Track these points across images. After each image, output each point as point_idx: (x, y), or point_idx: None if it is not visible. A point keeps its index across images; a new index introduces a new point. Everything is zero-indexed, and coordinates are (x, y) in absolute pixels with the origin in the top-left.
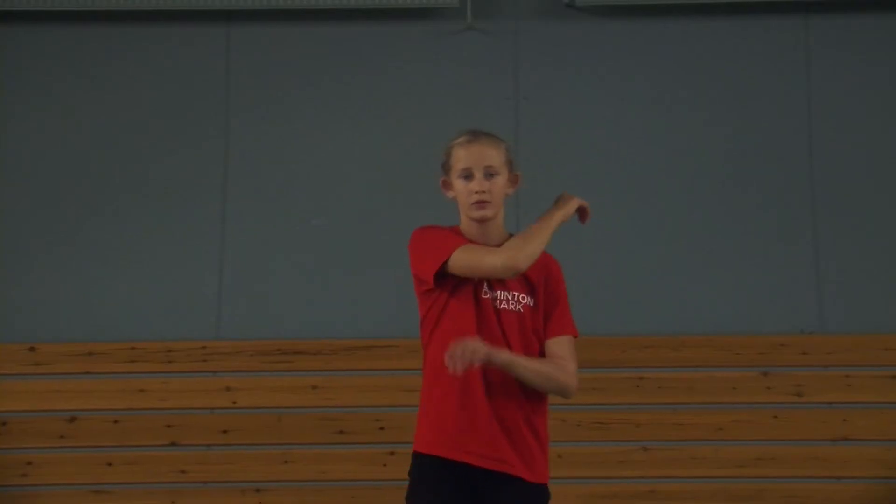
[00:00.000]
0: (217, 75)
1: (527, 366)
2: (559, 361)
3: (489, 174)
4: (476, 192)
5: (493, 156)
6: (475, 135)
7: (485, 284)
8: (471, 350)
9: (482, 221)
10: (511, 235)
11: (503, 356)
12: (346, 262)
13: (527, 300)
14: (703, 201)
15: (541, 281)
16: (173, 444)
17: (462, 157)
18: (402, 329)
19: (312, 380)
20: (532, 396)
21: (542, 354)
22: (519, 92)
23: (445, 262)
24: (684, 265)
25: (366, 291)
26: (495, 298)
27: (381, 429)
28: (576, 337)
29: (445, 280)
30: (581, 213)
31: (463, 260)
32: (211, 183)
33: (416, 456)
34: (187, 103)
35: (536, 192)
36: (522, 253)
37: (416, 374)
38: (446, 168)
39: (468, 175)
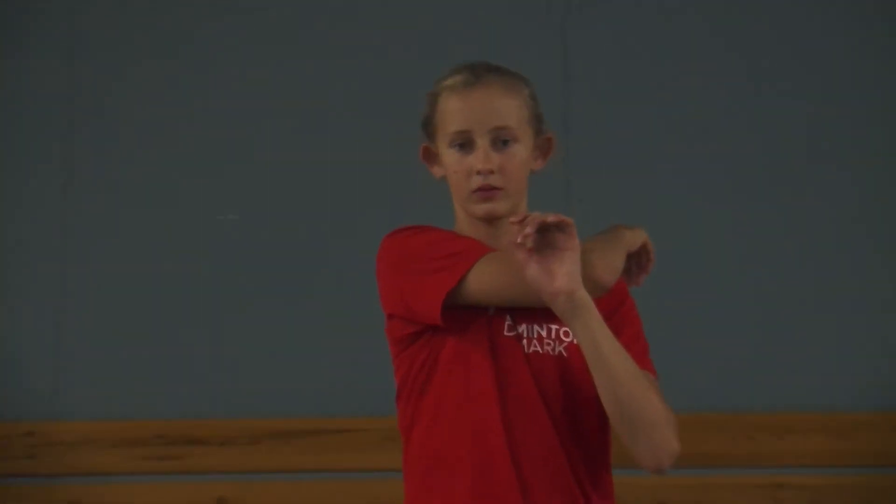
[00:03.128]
0: None
1: (622, 354)
2: None
3: (502, 140)
4: (479, 173)
5: (509, 109)
6: (476, 73)
7: (507, 316)
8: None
9: (490, 219)
10: None
11: (591, 308)
12: (263, 295)
13: (573, 336)
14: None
15: (611, 310)
16: None
17: (456, 111)
18: (371, 403)
19: (217, 486)
20: (593, 470)
21: (602, 423)
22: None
23: (461, 283)
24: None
25: (305, 341)
26: (522, 337)
27: None
28: (656, 379)
29: (451, 313)
30: (638, 261)
31: (496, 278)
32: None
33: None
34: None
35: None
36: (606, 262)
37: (395, 477)
38: (430, 127)
39: (465, 142)
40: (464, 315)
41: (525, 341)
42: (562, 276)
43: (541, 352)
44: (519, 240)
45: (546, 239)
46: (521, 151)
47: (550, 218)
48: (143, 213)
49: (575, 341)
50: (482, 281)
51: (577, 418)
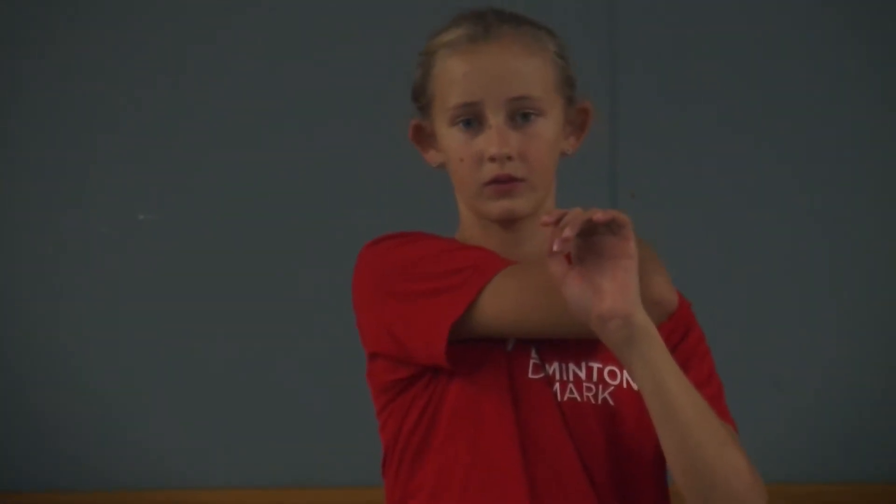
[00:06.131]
0: None
1: (695, 397)
2: None
3: (521, 115)
4: (493, 159)
5: (531, 72)
6: (485, 24)
7: (532, 352)
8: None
9: (509, 221)
10: None
11: (653, 336)
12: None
13: (621, 377)
14: None
15: (675, 342)
16: None
17: (459, 77)
18: (339, 470)
19: None
20: None
21: (663, 494)
22: None
23: (472, 309)
24: None
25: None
26: (553, 380)
27: None
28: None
29: (457, 348)
30: None
31: (519, 299)
32: None
33: None
34: None
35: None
36: (666, 276)
37: None
38: (423, 98)
39: (473, 119)
40: (473, 351)
41: (557, 385)
42: (614, 293)
43: (579, 399)
44: (555, 247)
45: (591, 244)
46: (549, 128)
47: (598, 215)
48: None
49: (625, 384)
50: (500, 304)
51: (628, 489)
